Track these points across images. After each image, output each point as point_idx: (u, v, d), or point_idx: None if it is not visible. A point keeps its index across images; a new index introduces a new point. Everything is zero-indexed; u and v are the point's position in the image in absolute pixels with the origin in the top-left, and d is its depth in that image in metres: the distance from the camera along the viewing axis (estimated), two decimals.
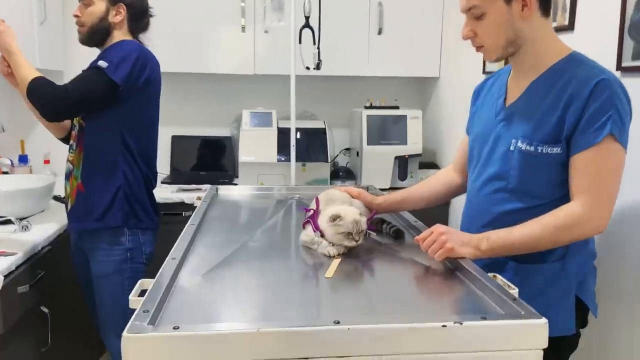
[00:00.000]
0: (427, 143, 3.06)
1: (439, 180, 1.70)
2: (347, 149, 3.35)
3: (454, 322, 0.96)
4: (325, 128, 3.04)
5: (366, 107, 3.03)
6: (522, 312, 1.01)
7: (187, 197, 2.72)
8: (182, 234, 1.54)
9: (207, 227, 1.73)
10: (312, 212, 1.55)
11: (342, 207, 1.51)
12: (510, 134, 1.38)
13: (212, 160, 3.35)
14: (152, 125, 2.10)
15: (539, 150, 1.32)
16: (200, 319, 1.04)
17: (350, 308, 1.12)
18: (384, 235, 1.65)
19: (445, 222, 2.86)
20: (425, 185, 1.71)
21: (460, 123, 2.88)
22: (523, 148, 1.34)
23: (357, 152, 3.08)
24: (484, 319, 0.98)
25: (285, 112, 2.78)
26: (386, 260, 1.46)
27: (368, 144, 2.96)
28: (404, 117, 2.98)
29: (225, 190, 2.30)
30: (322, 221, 1.49)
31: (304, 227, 1.56)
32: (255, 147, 2.92)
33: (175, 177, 3.20)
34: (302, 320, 1.03)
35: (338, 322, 0.95)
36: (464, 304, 1.15)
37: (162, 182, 3.10)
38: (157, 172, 2.16)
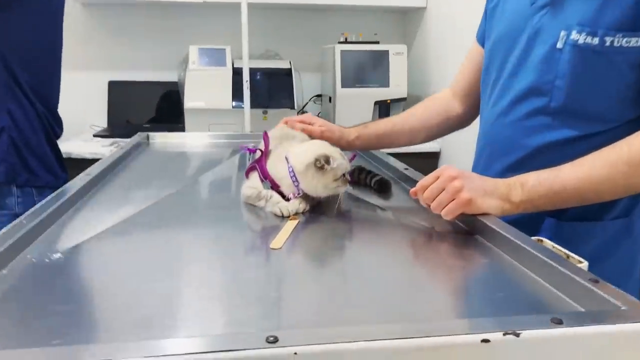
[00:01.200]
0: (411, 87, 2.57)
1: (432, 108, 1.23)
2: (318, 96, 2.84)
3: (504, 333, 0.49)
4: (290, 69, 2.53)
5: (340, 43, 2.51)
6: (622, 306, 0.55)
7: None
8: (61, 188, 1.03)
9: (114, 179, 1.23)
10: (259, 154, 1.06)
11: (314, 144, 1.02)
12: (559, 23, 0.89)
13: (156, 110, 2.81)
14: (51, 54, 1.59)
15: (607, 43, 0.84)
16: (24, 336, 0.55)
17: (305, 307, 0.64)
18: (361, 188, 1.17)
19: None
20: (414, 115, 1.24)
21: (452, 61, 2.40)
22: (580, 41, 0.86)
23: (330, 98, 2.58)
24: (559, 323, 0.51)
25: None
26: (366, 224, 0.99)
27: (343, 86, 2.46)
28: (386, 53, 2.48)
29: (161, 139, 1.79)
30: (275, 165, 1.00)
31: (247, 177, 1.07)
32: (206, 90, 2.40)
33: (114, 130, 2.67)
34: (216, 336, 0.56)
35: (275, 340, 0.47)
36: (504, 293, 0.68)
37: (96, 136, 2.58)
38: (61, 118, 1.65)
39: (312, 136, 1.11)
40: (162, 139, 1.81)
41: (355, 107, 2.46)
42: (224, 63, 2.46)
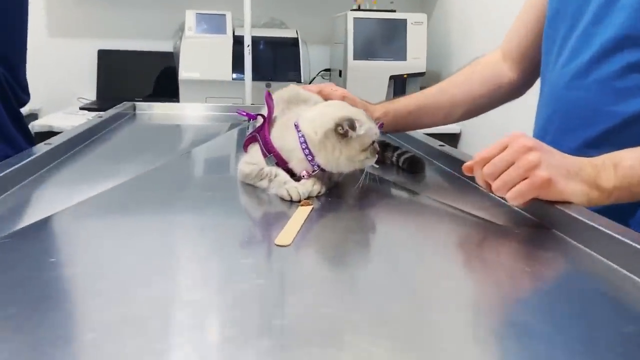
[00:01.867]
0: (431, 60, 2.33)
1: (478, 75, 0.98)
2: (327, 70, 2.60)
3: None
4: (297, 39, 2.29)
5: (353, 10, 2.26)
6: None
7: None
8: (8, 160, 0.81)
9: (84, 152, 1.01)
10: (260, 120, 0.83)
11: (331, 106, 0.80)
12: None
13: (150, 83, 2.57)
14: (12, 4, 1.35)
15: None
16: None
17: (319, 327, 0.42)
18: (387, 168, 0.94)
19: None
20: (454, 84, 0.99)
21: (478, 33, 2.16)
22: None
23: (340, 72, 2.34)
24: None
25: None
26: (398, 212, 0.77)
27: (355, 58, 2.22)
28: (403, 22, 2.24)
29: (149, 109, 1.57)
30: (281, 135, 0.78)
31: (245, 150, 0.85)
32: (203, 60, 2.17)
33: (102, 104, 2.43)
34: None
35: None
36: (635, 325, 0.45)
37: (83, 109, 2.35)
38: (27, 83, 1.41)
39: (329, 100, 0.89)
40: (150, 110, 1.58)
41: (368, 82, 2.23)
42: (224, 30, 2.22)
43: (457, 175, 0.91)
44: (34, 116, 2.37)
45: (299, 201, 0.72)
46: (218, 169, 0.97)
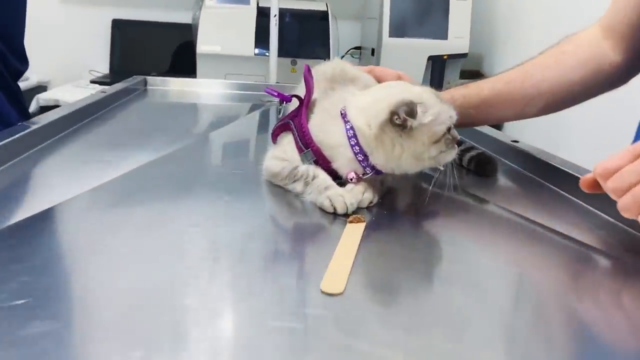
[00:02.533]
0: (474, 41, 2.11)
1: (573, 55, 0.75)
2: (357, 48, 2.40)
3: None
4: (327, 12, 2.08)
5: None
6: None
7: None
8: None
9: (83, 132, 0.84)
10: (296, 103, 0.64)
11: (389, 87, 0.61)
12: None
13: (167, 57, 2.40)
14: None
15: None
16: None
17: None
18: (454, 169, 0.76)
19: None
20: (541, 67, 0.77)
21: (530, 11, 1.92)
22: None
23: (373, 50, 2.14)
24: None
25: None
26: (470, 229, 0.58)
27: (390, 35, 2.01)
28: None
29: (162, 85, 1.40)
30: (323, 124, 0.60)
31: (274, 140, 0.66)
32: (223, 32, 1.98)
33: (115, 78, 2.26)
34: None
35: None
36: None
37: (94, 82, 2.19)
38: (23, 50, 1.25)
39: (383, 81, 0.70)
40: (163, 86, 1.41)
41: (403, 62, 2.01)
42: (247, 1, 2.02)
43: (538, 180, 0.72)
44: (42, 88, 2.22)
45: (346, 214, 0.54)
46: (236, 162, 0.79)
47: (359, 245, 0.47)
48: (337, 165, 0.59)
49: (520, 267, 0.49)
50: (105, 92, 1.11)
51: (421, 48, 2.03)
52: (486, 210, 0.63)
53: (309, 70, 0.63)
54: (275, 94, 0.64)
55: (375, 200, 0.58)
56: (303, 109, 0.62)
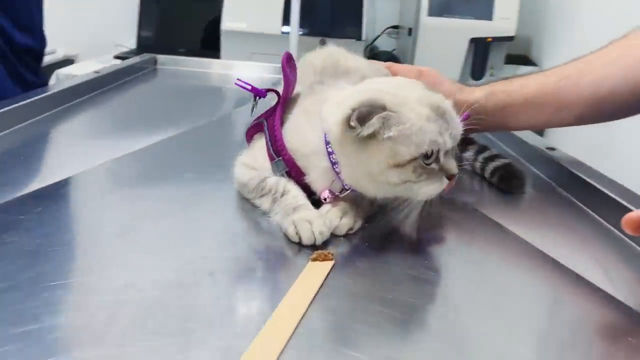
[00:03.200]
0: (522, 23, 1.91)
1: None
2: (395, 27, 2.24)
3: None
4: None
5: None
6: None
7: None
8: None
9: (75, 112, 0.79)
10: (272, 100, 0.52)
11: (379, 83, 0.49)
12: None
13: (197, 33, 2.31)
14: None
15: None
16: None
17: None
18: (466, 178, 0.63)
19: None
20: (602, 63, 0.59)
21: None
22: None
23: (410, 30, 1.98)
24: None
25: None
26: (477, 280, 0.44)
27: (429, 14, 1.85)
28: None
29: (174, 65, 1.31)
30: (300, 129, 0.48)
31: (248, 142, 0.55)
32: (250, 9, 1.87)
33: (142, 53, 2.20)
34: None
35: None
36: None
37: (118, 57, 2.12)
38: (32, 24, 1.18)
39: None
40: (176, 65, 1.32)
41: (443, 45, 1.85)
42: None
43: (576, 204, 0.58)
44: (69, 62, 2.19)
45: (314, 246, 0.43)
46: (216, 156, 0.68)
47: (321, 287, 0.36)
48: (311, 178, 0.47)
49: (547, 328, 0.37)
50: (106, 69, 1.02)
51: (463, 29, 1.85)
52: (505, 242, 0.50)
53: (288, 59, 0.51)
54: (248, 87, 0.53)
55: (357, 226, 0.46)
56: (278, 108, 0.50)
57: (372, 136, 0.41)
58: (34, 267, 0.38)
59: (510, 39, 1.89)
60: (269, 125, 0.50)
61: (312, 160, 0.46)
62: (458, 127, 0.44)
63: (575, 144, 1.33)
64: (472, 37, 1.87)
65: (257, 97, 0.53)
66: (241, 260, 0.42)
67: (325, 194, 0.46)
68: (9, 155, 0.62)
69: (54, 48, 2.12)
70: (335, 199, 0.46)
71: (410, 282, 0.41)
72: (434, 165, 0.43)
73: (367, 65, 0.60)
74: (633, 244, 0.49)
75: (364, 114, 0.41)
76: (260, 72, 1.32)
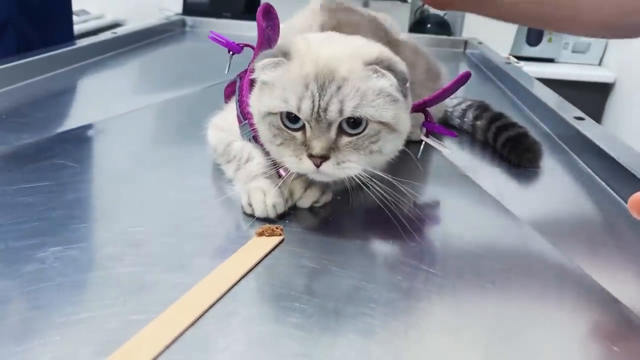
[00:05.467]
0: None
1: None
2: None
3: None
4: None
5: None
6: None
7: None
8: None
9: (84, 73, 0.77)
10: (247, 57, 0.48)
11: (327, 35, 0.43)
12: None
13: None
14: None
15: None
16: None
17: None
18: (477, 148, 0.56)
19: None
20: None
21: None
22: None
23: None
24: None
25: None
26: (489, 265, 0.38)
27: None
28: None
29: (203, 27, 1.29)
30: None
31: (225, 101, 0.51)
32: None
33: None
34: None
35: None
36: None
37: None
38: None
39: None
40: (204, 27, 1.29)
41: None
42: None
43: (602, 186, 0.50)
44: (117, 26, 2.20)
45: (267, 219, 0.38)
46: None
47: (250, 272, 0.32)
48: None
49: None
50: (116, 33, 1.00)
51: None
52: (507, 231, 0.43)
53: (265, 11, 0.46)
54: (223, 41, 0.48)
55: (325, 199, 0.41)
56: (249, 67, 0.45)
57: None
58: None
59: None
60: (241, 85, 0.45)
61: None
62: (337, 102, 0.36)
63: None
64: None
65: (232, 53, 0.48)
66: (185, 230, 0.38)
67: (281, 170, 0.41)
68: (34, 104, 0.65)
69: (102, 12, 2.15)
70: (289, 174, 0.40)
71: (359, 266, 0.36)
72: (296, 134, 0.37)
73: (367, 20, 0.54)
74: None
75: (263, 55, 0.38)
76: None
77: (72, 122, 0.60)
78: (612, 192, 0.48)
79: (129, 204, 0.41)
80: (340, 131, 0.37)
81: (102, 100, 0.71)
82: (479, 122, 0.59)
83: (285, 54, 0.38)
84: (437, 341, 0.28)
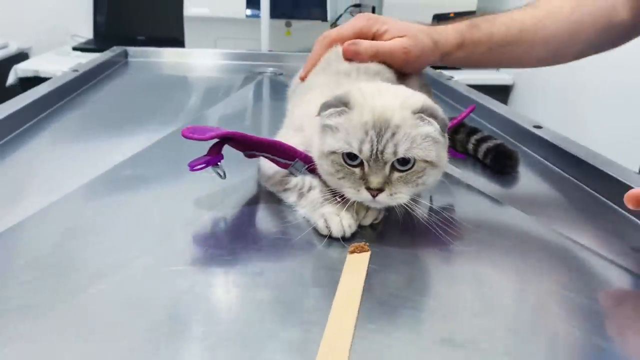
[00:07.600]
0: None
1: (587, 7, 0.68)
2: (357, 6, 2.25)
3: None
4: None
5: None
6: None
7: None
8: None
9: (55, 117, 0.75)
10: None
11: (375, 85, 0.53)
12: None
13: (155, 18, 2.25)
14: None
15: None
16: None
17: None
18: (470, 164, 0.67)
19: None
20: (559, 15, 0.68)
21: None
22: None
23: (373, 8, 2.00)
24: None
25: None
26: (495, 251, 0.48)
27: None
28: None
29: (146, 56, 1.28)
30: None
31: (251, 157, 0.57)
32: None
33: (100, 44, 2.14)
34: None
35: None
36: None
37: (77, 49, 2.06)
38: None
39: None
40: (147, 57, 1.29)
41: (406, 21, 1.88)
42: None
43: (565, 177, 0.63)
44: (23, 56, 2.08)
45: (343, 238, 0.45)
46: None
47: (366, 280, 0.39)
48: None
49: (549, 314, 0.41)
50: (78, 71, 1.00)
51: (425, 5, 1.89)
52: (502, 217, 0.54)
53: (190, 132, 0.50)
54: (203, 165, 0.49)
55: (381, 216, 0.49)
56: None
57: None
58: None
59: (472, 13, 1.94)
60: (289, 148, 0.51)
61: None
62: (392, 145, 0.44)
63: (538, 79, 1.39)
64: (434, 12, 1.91)
65: (218, 162, 0.51)
66: (284, 253, 0.44)
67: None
68: None
69: (6, 42, 2.02)
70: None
71: (440, 264, 0.44)
72: (355, 170, 0.46)
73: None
74: (625, 212, 0.54)
75: (326, 105, 0.46)
76: (225, 59, 1.31)
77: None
78: (578, 182, 0.62)
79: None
80: (393, 168, 0.45)
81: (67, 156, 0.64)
82: (457, 136, 0.70)
83: (346, 104, 0.46)
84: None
